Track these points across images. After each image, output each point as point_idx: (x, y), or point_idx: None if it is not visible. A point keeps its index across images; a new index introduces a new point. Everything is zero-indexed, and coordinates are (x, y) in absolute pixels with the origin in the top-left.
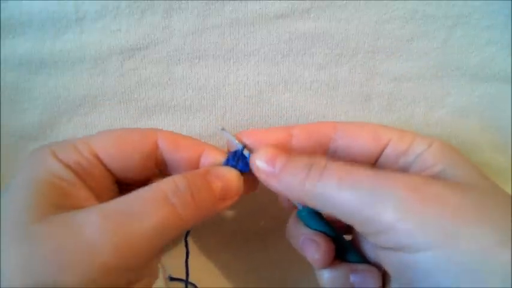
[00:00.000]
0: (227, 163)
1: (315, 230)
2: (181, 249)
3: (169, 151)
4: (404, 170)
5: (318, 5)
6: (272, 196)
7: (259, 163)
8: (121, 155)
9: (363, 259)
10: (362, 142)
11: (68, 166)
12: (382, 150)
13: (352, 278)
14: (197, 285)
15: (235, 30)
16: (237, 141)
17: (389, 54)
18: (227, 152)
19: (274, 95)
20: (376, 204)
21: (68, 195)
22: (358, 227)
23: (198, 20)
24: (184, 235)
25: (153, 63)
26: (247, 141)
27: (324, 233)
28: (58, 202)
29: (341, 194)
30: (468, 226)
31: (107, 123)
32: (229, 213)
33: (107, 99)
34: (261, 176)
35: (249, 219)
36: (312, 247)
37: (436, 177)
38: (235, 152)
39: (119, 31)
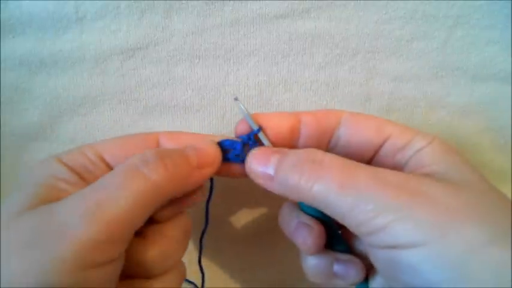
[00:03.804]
0: (221, 145)
1: (310, 215)
2: None
3: (170, 147)
4: (401, 165)
5: (318, 5)
6: (272, 197)
7: (254, 167)
8: (125, 155)
9: (349, 250)
10: (365, 133)
11: (72, 169)
12: (383, 143)
13: (336, 267)
14: (197, 285)
15: (235, 30)
16: (246, 112)
17: (389, 54)
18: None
19: (274, 95)
20: (372, 209)
21: (66, 195)
22: (351, 228)
23: (198, 20)
24: (200, 235)
25: (153, 63)
26: (262, 123)
27: (318, 218)
28: (51, 199)
29: (337, 197)
30: (458, 225)
31: (107, 123)
32: (229, 214)
33: (107, 99)
34: (259, 181)
35: (249, 220)
36: (306, 231)
37: (431, 176)
38: (246, 138)
39: (119, 31)
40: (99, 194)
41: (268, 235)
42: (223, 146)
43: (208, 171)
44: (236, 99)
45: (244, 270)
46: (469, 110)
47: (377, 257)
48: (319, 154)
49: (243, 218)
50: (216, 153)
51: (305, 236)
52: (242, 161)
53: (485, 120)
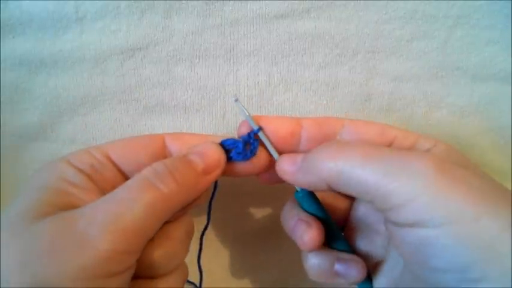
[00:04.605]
0: (223, 145)
1: (310, 213)
2: None
3: (175, 147)
4: None
5: (318, 5)
6: (274, 198)
7: (285, 166)
8: (131, 154)
9: (351, 249)
10: (368, 136)
11: (80, 171)
12: (388, 146)
13: (337, 266)
14: (197, 285)
15: (235, 30)
16: (247, 113)
17: (389, 54)
18: (239, 137)
19: (274, 95)
20: (400, 177)
21: (76, 199)
22: (378, 203)
23: (198, 20)
24: (200, 233)
25: (153, 63)
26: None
27: (318, 217)
28: (62, 205)
29: (365, 169)
30: (489, 206)
31: (107, 123)
32: (231, 214)
33: (107, 99)
34: (287, 178)
35: (251, 221)
36: (303, 227)
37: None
38: (248, 136)
39: (119, 31)
40: (115, 206)
41: (270, 236)
42: (225, 146)
43: (214, 175)
44: (236, 100)
45: (246, 270)
46: (469, 110)
47: (403, 240)
48: (343, 140)
49: (244, 218)
50: (220, 157)
51: (302, 232)
52: (244, 159)
53: (485, 120)
